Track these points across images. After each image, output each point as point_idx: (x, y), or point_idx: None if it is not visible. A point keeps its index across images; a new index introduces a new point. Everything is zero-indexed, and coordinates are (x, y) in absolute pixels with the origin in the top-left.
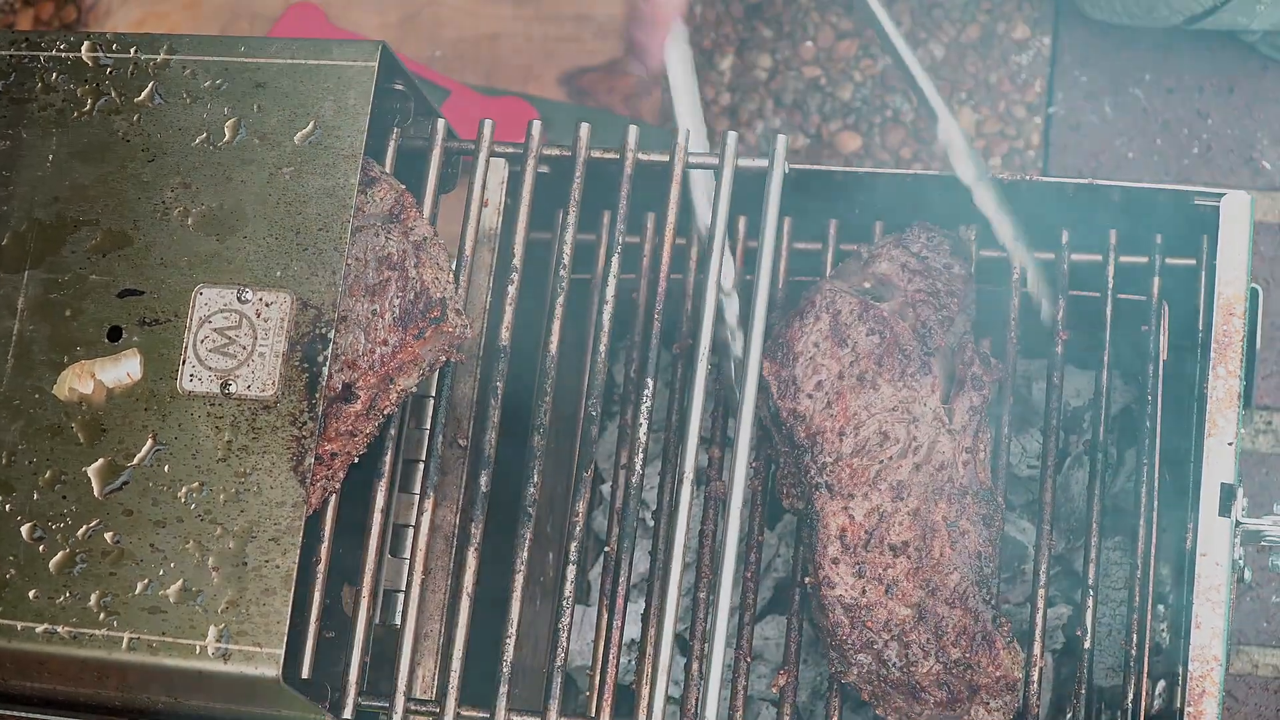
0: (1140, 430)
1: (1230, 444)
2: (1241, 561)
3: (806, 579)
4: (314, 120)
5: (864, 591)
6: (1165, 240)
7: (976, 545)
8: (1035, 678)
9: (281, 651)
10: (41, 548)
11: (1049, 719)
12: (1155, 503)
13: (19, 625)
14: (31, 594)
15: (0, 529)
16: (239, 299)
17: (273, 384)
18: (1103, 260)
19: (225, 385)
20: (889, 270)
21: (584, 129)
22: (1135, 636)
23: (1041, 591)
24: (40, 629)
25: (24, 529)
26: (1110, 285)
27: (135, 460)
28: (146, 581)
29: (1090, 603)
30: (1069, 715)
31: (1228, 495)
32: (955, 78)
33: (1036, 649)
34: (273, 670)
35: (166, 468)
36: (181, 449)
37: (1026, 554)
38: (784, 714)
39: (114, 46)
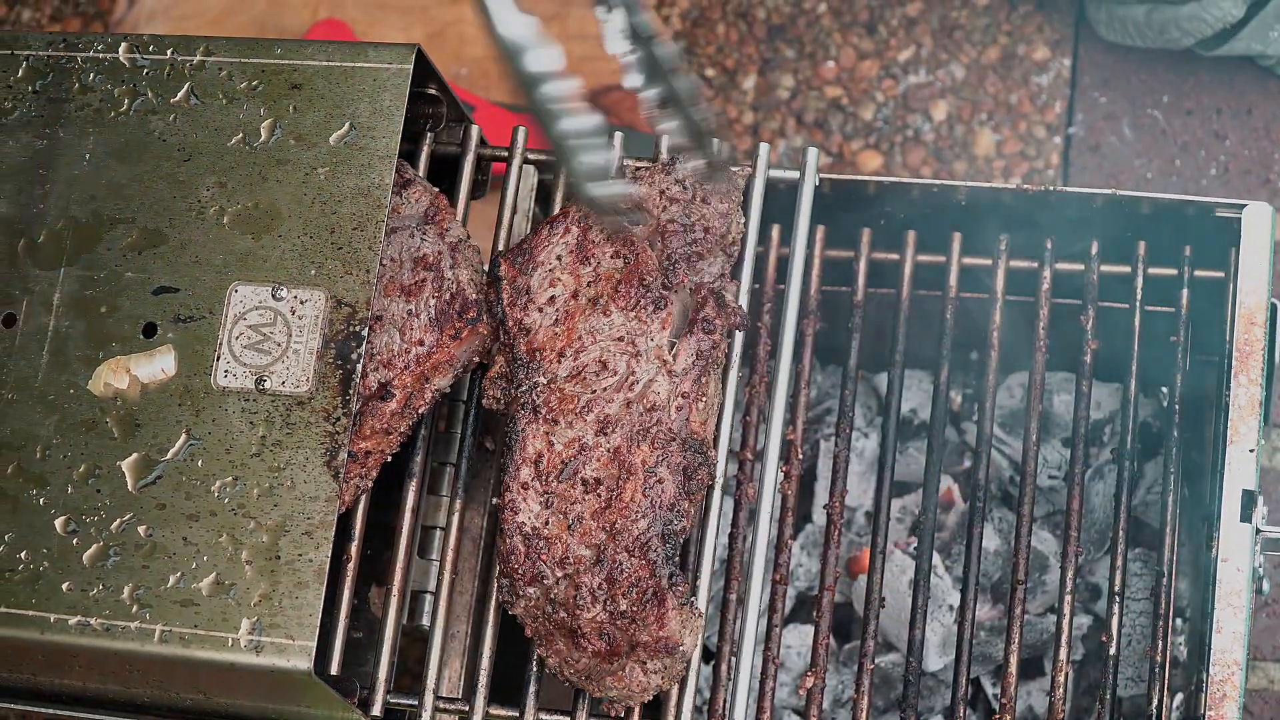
0: (1161, 443)
1: (1252, 451)
2: (1261, 571)
3: (494, 499)
4: (349, 121)
5: (547, 523)
6: (1194, 253)
7: (672, 497)
8: (1060, 686)
9: (314, 644)
10: (75, 541)
11: None
12: (1178, 512)
13: (52, 617)
14: (65, 586)
15: (34, 522)
16: (274, 296)
17: (307, 380)
18: (1131, 272)
19: (260, 381)
20: (646, 194)
21: (617, 137)
22: (1160, 644)
23: (1068, 598)
24: (73, 621)
25: (58, 522)
26: (1138, 297)
27: (169, 455)
28: (179, 575)
29: (1116, 610)
30: None
31: (1249, 502)
32: (976, 98)
33: (1063, 655)
34: (305, 663)
35: (200, 462)
36: (215, 444)
37: (1047, 564)
38: (810, 716)
39: (151, 48)
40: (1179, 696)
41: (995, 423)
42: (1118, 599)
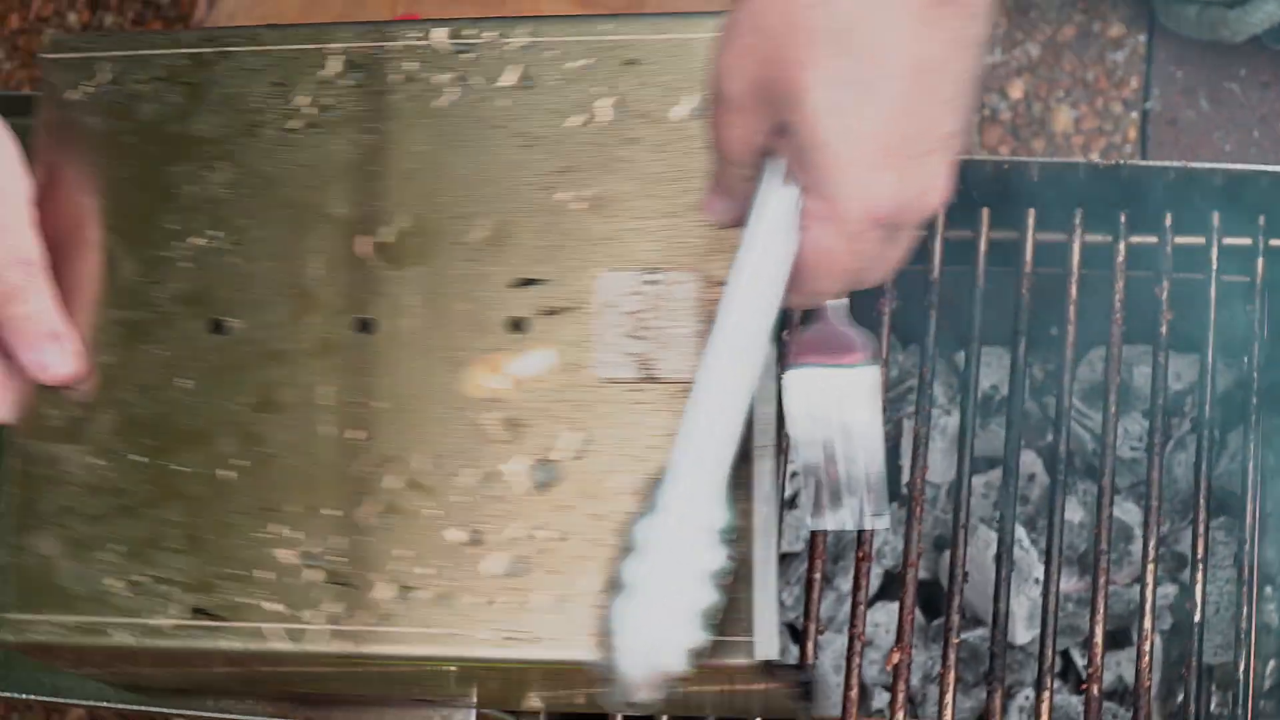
0: (1244, 412)
1: None
2: None
3: None
4: (690, 94)
5: None
6: (1268, 222)
7: None
8: (1146, 655)
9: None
10: (473, 551)
11: (1160, 699)
12: (1260, 479)
13: (465, 633)
14: (467, 600)
15: (430, 537)
16: (644, 281)
17: (695, 366)
18: (1206, 243)
19: (645, 369)
20: None
21: None
22: (1245, 610)
23: (1150, 568)
24: (483, 635)
25: (454, 534)
26: (1214, 267)
27: (561, 454)
28: (592, 576)
29: (1200, 577)
30: (1180, 694)
31: None
32: (1052, 76)
33: (1148, 624)
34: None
35: (595, 459)
36: (607, 439)
37: (1132, 535)
38: (897, 692)
39: (469, 32)
40: (1270, 664)
41: (1075, 396)
42: (1201, 566)
